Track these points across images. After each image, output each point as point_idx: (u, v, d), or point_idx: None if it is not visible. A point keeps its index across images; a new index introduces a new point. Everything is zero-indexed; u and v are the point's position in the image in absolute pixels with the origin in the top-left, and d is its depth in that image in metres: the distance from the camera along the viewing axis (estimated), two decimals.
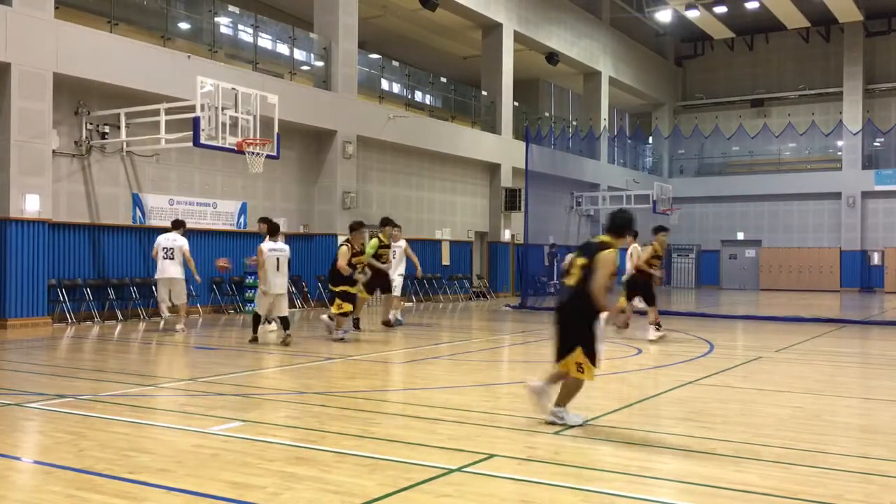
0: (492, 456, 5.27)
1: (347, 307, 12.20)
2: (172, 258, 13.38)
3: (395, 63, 24.00)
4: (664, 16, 33.62)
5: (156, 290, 14.27)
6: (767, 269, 35.09)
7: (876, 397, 8.13)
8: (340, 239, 16.09)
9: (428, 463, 5.08)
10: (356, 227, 12.56)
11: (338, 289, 12.18)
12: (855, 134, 32.34)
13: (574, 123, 32.98)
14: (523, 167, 23.57)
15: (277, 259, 11.52)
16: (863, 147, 34.03)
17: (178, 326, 13.35)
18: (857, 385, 9.20)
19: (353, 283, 12.26)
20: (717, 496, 4.50)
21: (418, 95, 24.89)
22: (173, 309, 13.77)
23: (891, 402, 7.77)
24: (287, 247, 12.01)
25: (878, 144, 34.75)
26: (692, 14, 33.20)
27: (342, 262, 12.03)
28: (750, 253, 35.87)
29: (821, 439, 5.99)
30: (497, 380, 9.20)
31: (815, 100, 36.27)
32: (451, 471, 4.89)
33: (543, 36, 28.32)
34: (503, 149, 26.22)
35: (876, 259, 33.28)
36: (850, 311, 21.48)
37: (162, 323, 13.79)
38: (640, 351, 11.33)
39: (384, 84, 23.23)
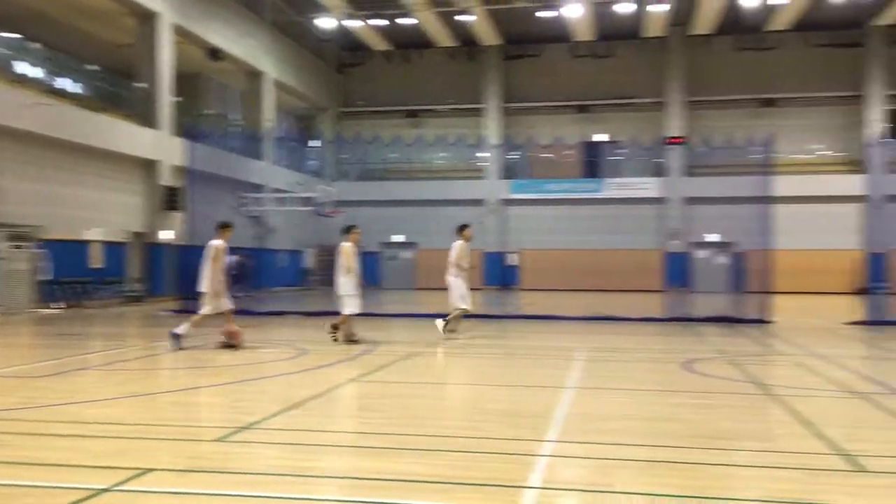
0: (149, 470, 4.89)
1: None
2: None
3: (36, 45, 21.51)
4: (327, 22, 34.27)
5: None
6: (424, 269, 37.38)
7: (520, 384, 8.97)
8: None
9: (73, 485, 4.57)
10: None
11: None
12: (495, 147, 35.78)
13: (240, 122, 32.29)
14: (185, 165, 22.52)
15: None
16: (501, 159, 37.78)
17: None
18: (506, 374, 10.07)
19: None
20: (381, 488, 4.62)
21: (62, 82, 22.60)
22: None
23: (534, 387, 8.62)
24: None
25: (514, 157, 38.78)
26: (352, 24, 34.26)
27: None
28: (407, 255, 37.95)
29: (473, 426, 6.45)
30: (157, 389, 8.61)
31: (463, 114, 39.34)
32: (101, 491, 4.45)
33: (204, 31, 27.34)
34: (162, 145, 24.81)
35: (513, 260, 37.06)
36: (493, 306, 23.54)
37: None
38: (305, 351, 11.36)
39: (21, 67, 20.74)
